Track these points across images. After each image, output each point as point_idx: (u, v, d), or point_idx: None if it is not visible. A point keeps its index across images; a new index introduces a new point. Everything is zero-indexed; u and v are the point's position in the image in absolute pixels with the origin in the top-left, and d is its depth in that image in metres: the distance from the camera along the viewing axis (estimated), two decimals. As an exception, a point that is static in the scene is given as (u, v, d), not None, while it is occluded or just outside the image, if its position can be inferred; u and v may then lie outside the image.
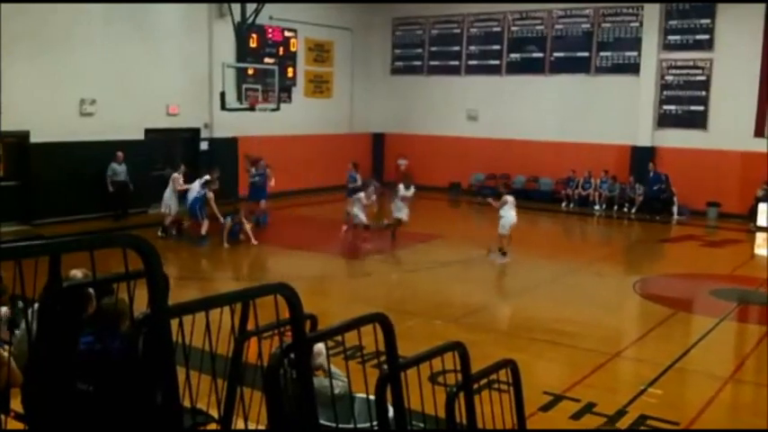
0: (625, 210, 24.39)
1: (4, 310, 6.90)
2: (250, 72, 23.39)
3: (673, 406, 8.90)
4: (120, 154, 20.10)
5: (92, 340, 4.27)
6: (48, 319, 3.90)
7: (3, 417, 3.64)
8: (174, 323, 3.30)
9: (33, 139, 19.31)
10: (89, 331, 4.43)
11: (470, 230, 18.16)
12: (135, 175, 20.60)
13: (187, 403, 4.02)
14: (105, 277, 4.18)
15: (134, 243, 3.01)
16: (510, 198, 17.09)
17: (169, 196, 18.50)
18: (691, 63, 24.10)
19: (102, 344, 4.19)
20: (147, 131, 22.09)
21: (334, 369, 6.09)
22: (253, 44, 24.84)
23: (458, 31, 28.59)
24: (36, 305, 4.17)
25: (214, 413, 5.05)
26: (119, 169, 20.23)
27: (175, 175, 18.87)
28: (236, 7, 23.17)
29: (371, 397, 4.36)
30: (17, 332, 5.86)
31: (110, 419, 3.74)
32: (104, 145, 20.34)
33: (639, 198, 24.13)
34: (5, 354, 5.64)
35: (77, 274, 5.44)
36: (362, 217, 18.36)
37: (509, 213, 16.84)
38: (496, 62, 27.80)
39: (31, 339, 3.91)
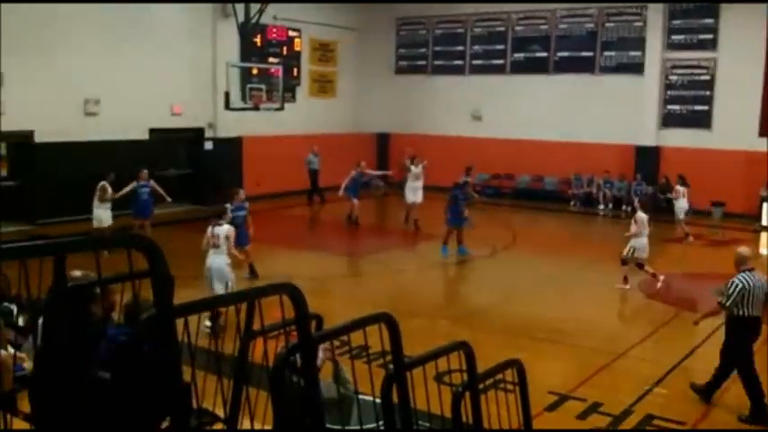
0: (629, 209, 24.30)
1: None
2: (254, 72, 23.39)
3: (678, 405, 8.89)
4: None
5: (117, 332, 4.31)
6: (54, 319, 3.90)
7: (9, 417, 3.64)
8: (180, 323, 3.29)
9: (37, 138, 19.35)
10: (116, 325, 4.51)
11: (473, 230, 18.14)
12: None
13: (193, 403, 4.02)
14: (109, 277, 4.17)
15: (139, 243, 3.01)
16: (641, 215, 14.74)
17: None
18: (695, 63, 24.06)
19: (126, 336, 4.22)
20: (152, 131, 22.11)
21: (344, 375, 6.08)
22: (257, 44, 24.85)
23: (461, 30, 28.57)
24: (41, 305, 4.18)
25: (220, 413, 5.05)
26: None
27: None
28: (240, 7, 23.18)
29: (377, 400, 4.35)
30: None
31: (124, 408, 3.77)
32: (108, 145, 20.36)
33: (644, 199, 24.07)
34: (9, 359, 5.65)
35: (76, 274, 5.43)
36: None
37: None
38: (500, 62, 27.77)
39: (36, 340, 3.92)
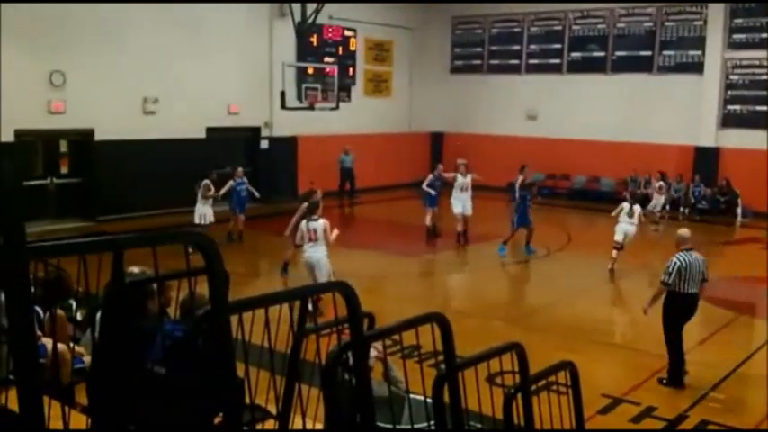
0: (686, 211, 23.91)
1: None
2: (310, 71, 23.54)
3: (735, 411, 8.75)
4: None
5: (174, 328, 4.40)
6: (111, 314, 3.97)
7: (68, 409, 3.72)
8: (234, 319, 3.33)
9: (97, 136, 19.73)
10: (173, 321, 4.60)
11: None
12: (198, 172, 20.90)
13: (246, 399, 4.06)
14: (167, 274, 4.24)
15: (196, 240, 3.05)
16: (624, 205, 16.13)
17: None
18: (756, 62, 23.57)
19: (182, 332, 4.31)
20: (209, 130, 22.38)
21: (394, 374, 6.09)
22: (313, 43, 25.01)
23: (518, 29, 28.40)
24: (99, 300, 4.26)
25: (272, 409, 5.09)
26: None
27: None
28: (297, 7, 23.33)
29: (428, 400, 4.35)
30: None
31: (179, 402, 3.84)
32: (166, 143, 20.68)
33: (702, 203, 23.75)
34: (68, 352, 5.77)
35: (134, 270, 5.53)
36: None
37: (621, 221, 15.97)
38: (557, 61, 27.55)
39: (94, 334, 4.00)
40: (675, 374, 9.56)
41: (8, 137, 17.59)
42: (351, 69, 27.05)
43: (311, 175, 24.58)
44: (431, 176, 19.24)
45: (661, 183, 22.45)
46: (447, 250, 18.52)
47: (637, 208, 15.99)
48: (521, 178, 19.99)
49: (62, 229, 18.30)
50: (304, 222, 12.05)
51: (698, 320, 13.27)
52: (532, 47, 28.10)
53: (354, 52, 27.23)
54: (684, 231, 10.04)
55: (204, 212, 17.37)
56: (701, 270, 9.55)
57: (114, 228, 18.10)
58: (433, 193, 18.90)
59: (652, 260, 17.19)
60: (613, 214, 16.10)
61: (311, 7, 23.37)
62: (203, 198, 17.40)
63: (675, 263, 9.47)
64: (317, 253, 11.78)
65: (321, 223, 11.85)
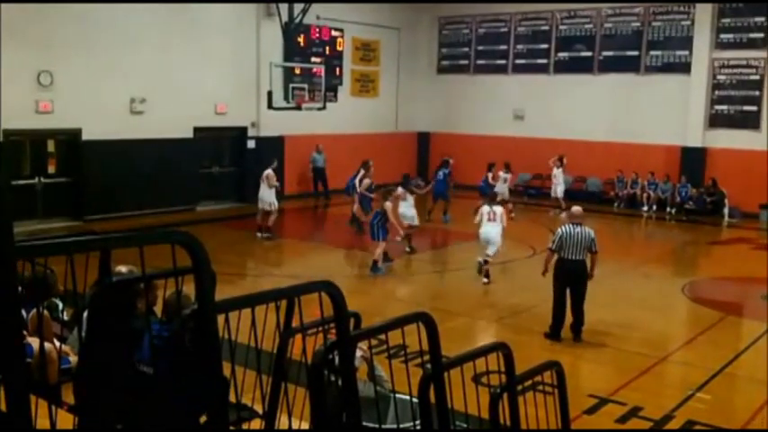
0: (673, 211, 24.02)
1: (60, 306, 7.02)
2: (297, 71, 23.51)
3: (721, 412, 8.78)
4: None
5: (161, 327, 4.40)
6: (98, 313, 3.97)
7: (54, 408, 3.72)
8: (221, 319, 3.34)
9: (85, 136, 19.66)
10: (160, 320, 4.61)
11: (514, 230, 18.05)
12: (185, 172, 20.86)
13: (232, 398, 4.07)
14: (153, 273, 4.24)
15: (183, 240, 3.05)
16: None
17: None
18: (744, 62, 23.67)
19: (169, 332, 4.32)
20: (196, 130, 22.33)
21: (379, 373, 6.10)
22: (300, 44, 24.98)
23: (505, 29, 28.44)
24: (86, 299, 4.25)
25: (259, 408, 5.10)
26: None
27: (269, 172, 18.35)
28: (284, 7, 23.30)
29: (414, 400, 4.36)
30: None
31: (166, 401, 3.84)
32: (154, 143, 20.63)
33: (689, 203, 23.85)
34: (54, 351, 5.76)
35: (122, 269, 5.53)
36: None
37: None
38: (544, 61, 27.60)
39: (81, 333, 3.99)
40: (555, 330, 11.02)
41: (-5, 136, 17.56)
42: (338, 69, 27.02)
43: (297, 175, 24.69)
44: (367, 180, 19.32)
45: (500, 173, 22.36)
46: (434, 249, 18.54)
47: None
48: (490, 175, 20.59)
49: (50, 228, 18.23)
50: (486, 206, 14.64)
51: (685, 320, 13.42)
52: (519, 47, 28.14)
53: (341, 52, 27.20)
54: (576, 209, 11.38)
55: (272, 201, 18.06)
56: (588, 242, 10.85)
57: (102, 227, 18.02)
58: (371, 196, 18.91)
59: (640, 260, 17.28)
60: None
61: (298, 7, 23.33)
62: (267, 187, 18.06)
63: (559, 232, 10.95)
64: (495, 229, 14.24)
65: (500, 209, 14.64)
